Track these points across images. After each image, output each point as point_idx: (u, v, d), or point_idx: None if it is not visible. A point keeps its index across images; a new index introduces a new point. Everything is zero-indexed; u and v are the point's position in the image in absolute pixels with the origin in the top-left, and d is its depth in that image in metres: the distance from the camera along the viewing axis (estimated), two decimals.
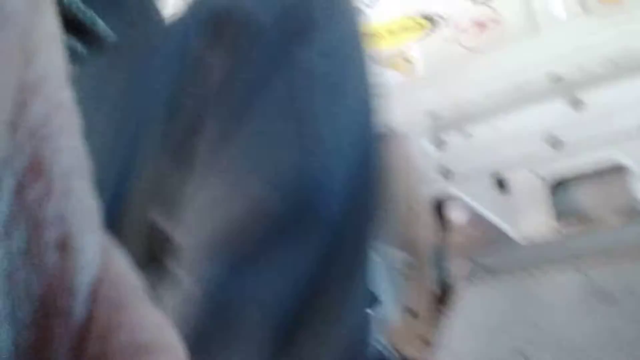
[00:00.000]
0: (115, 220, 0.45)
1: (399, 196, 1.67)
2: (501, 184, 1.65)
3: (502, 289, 1.46)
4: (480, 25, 1.71)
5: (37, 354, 0.14)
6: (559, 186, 1.60)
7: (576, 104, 1.55)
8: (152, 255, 0.48)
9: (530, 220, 1.61)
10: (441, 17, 1.77)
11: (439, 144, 1.70)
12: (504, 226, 1.65)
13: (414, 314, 1.64)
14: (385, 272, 1.48)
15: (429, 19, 1.79)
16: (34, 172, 0.14)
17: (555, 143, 1.56)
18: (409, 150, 1.63)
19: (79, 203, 0.15)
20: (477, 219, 1.71)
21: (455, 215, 1.77)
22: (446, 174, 1.70)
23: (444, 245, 1.74)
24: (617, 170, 1.54)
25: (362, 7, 0.86)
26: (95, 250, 0.15)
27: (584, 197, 1.59)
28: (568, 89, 1.55)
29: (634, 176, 1.51)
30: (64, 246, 0.14)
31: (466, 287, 1.49)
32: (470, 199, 1.69)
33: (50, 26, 0.15)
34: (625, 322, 1.32)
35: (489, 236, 1.68)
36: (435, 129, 1.71)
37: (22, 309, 0.14)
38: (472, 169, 1.67)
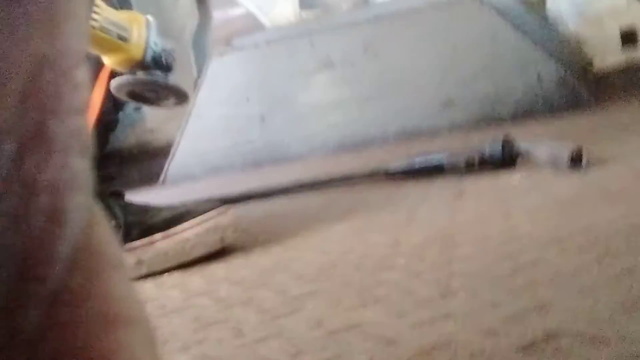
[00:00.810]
0: None
1: None
2: None
3: (246, 63, 1.63)
4: None
5: (7, 318, 0.14)
6: None
7: None
8: None
9: (279, 9, 1.77)
10: None
11: None
12: (257, 13, 1.79)
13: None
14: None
15: None
16: (36, 141, 0.14)
17: None
18: None
19: (73, 178, 0.15)
20: (235, 9, 1.84)
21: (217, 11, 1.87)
22: None
23: (204, 31, 1.86)
24: None
25: None
26: (81, 222, 0.16)
27: None
28: None
29: None
30: (52, 215, 0.15)
31: (215, 62, 1.63)
32: None
33: (77, 5, 0.15)
34: (341, 83, 1.56)
35: (245, 24, 1.82)
36: None
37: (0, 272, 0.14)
38: None
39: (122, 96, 1.01)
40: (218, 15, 1.88)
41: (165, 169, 1.68)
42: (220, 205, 0.69)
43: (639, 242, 0.43)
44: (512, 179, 0.79)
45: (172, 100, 1.06)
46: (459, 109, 1.51)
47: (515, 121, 1.41)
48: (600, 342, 0.28)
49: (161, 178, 1.66)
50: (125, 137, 1.80)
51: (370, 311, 0.39)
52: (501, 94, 1.50)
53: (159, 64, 0.97)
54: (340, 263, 0.54)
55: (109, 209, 0.65)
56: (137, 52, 0.94)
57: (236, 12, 1.85)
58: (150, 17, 0.99)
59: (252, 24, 1.81)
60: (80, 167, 0.15)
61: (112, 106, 0.99)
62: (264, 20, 1.78)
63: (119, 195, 0.69)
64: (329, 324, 0.38)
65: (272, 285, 0.51)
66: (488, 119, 1.46)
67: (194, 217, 0.66)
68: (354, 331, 0.36)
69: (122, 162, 1.77)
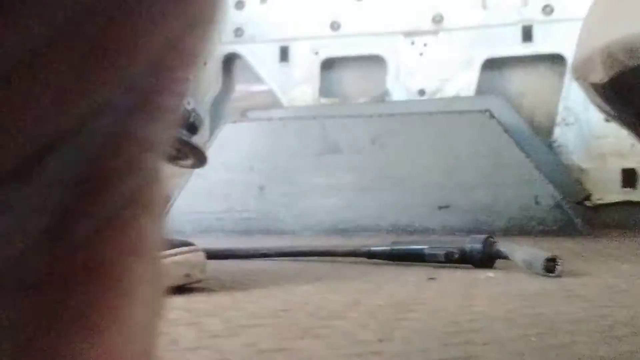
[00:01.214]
0: None
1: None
2: (284, 54, 1.86)
3: (257, 134, 1.68)
4: None
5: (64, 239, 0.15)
6: (328, 64, 1.85)
7: None
8: None
9: (299, 91, 1.84)
10: None
11: (237, 3, 1.86)
12: (278, 92, 1.87)
13: None
14: None
15: None
16: (144, 104, 0.15)
17: (335, 25, 1.80)
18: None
19: (163, 141, 0.16)
20: (257, 86, 1.91)
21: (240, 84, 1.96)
22: (238, 32, 1.87)
23: (224, 99, 1.93)
24: (377, 60, 1.81)
25: None
26: (153, 180, 0.16)
27: (347, 78, 1.86)
28: None
29: (388, 68, 1.79)
30: (133, 165, 0.15)
31: (227, 128, 1.69)
32: (255, 62, 1.89)
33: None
34: (345, 169, 1.60)
35: (265, 101, 1.89)
36: None
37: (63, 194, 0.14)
38: (261, 34, 1.86)
39: None
40: (240, 88, 1.96)
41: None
42: (194, 246, 0.70)
43: (584, 328, 0.43)
44: (486, 275, 0.79)
45: (190, 161, 1.10)
46: (455, 213, 1.53)
47: (507, 234, 1.42)
48: None
49: None
50: None
51: (305, 342, 0.39)
52: (497, 206, 1.52)
53: (187, 122, 1.00)
54: (294, 309, 0.54)
55: None
56: None
57: (258, 88, 1.93)
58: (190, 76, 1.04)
59: (271, 102, 1.88)
60: (167, 137, 0.16)
61: None
62: (283, 99, 1.85)
63: None
64: (262, 346, 0.38)
65: (223, 316, 0.51)
66: (481, 229, 1.47)
67: (164, 249, 0.67)
68: (282, 353, 0.36)
69: None
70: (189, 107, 1.00)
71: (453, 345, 0.37)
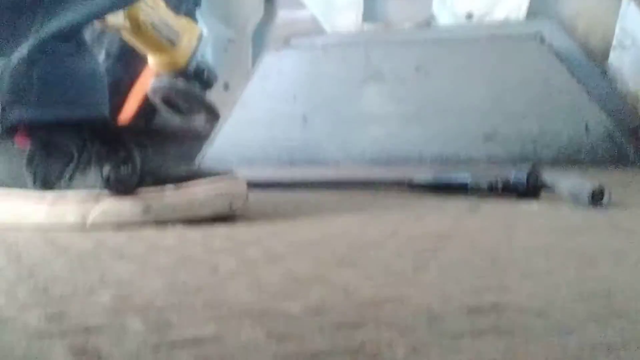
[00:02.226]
0: None
1: None
2: None
3: (299, 62, 1.66)
4: None
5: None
6: None
7: None
8: None
9: (342, 17, 1.80)
10: None
11: None
12: (320, 18, 1.83)
13: (225, 86, 1.81)
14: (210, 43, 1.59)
15: None
16: None
17: None
18: None
19: None
20: (300, 12, 1.87)
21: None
22: None
23: (266, 27, 1.90)
24: None
25: None
26: None
27: (391, 2, 1.80)
28: None
29: None
30: None
31: (270, 56, 1.67)
32: None
33: None
34: (388, 98, 1.57)
35: (308, 27, 1.86)
36: None
37: None
38: None
39: (156, 100, 1.04)
40: (283, 14, 1.92)
41: (202, 152, 1.72)
42: (236, 176, 0.71)
43: (626, 261, 0.43)
44: (529, 206, 0.78)
45: (202, 116, 1.09)
46: (500, 144, 1.50)
47: (554, 165, 1.39)
48: (541, 316, 0.29)
49: (198, 160, 1.70)
50: (170, 116, 1.85)
51: (341, 271, 0.40)
52: (545, 136, 1.48)
53: (200, 77, 0.99)
54: (332, 239, 0.55)
55: (129, 154, 0.67)
56: (181, 59, 0.97)
57: (301, 14, 1.89)
58: (204, 31, 1.01)
59: (313, 28, 1.84)
60: None
61: None
62: (326, 26, 1.81)
63: (143, 146, 0.71)
64: (298, 274, 0.39)
65: (262, 245, 0.52)
66: (528, 159, 1.44)
67: (207, 178, 0.68)
68: (317, 280, 0.37)
69: (163, 140, 1.81)
70: (202, 62, 0.99)
71: (488, 276, 0.37)
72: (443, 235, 0.55)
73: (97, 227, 0.64)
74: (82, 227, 0.64)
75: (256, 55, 1.80)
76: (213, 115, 1.00)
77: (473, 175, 0.95)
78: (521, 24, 1.63)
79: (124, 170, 0.66)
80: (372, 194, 0.98)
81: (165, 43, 0.94)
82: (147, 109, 1.48)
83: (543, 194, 0.87)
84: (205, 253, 0.48)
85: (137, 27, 0.89)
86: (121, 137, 0.69)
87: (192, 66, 0.97)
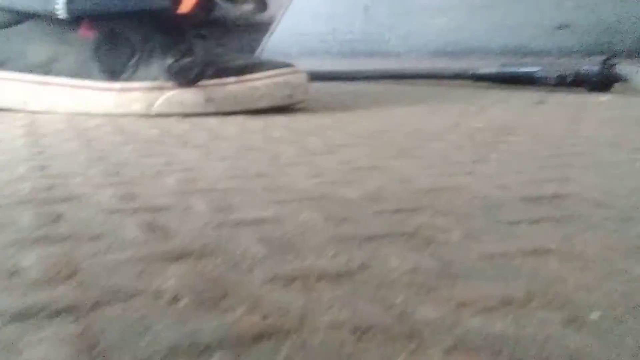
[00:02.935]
0: None
1: None
2: None
3: None
4: None
5: None
6: None
7: None
8: None
9: None
10: None
11: None
12: None
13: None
14: None
15: None
16: None
17: None
18: None
19: None
20: None
21: None
22: None
23: None
24: None
25: None
26: None
27: None
28: None
29: None
30: None
31: None
32: None
33: None
34: None
35: None
36: None
37: None
38: None
39: None
40: None
41: (263, 43, 1.70)
42: (296, 68, 0.70)
43: None
44: (599, 98, 0.75)
45: (250, 5, 1.07)
46: (574, 34, 1.42)
47: (631, 56, 1.31)
48: (601, 206, 0.28)
49: (258, 52, 1.69)
50: (230, 7, 1.83)
51: (398, 161, 0.40)
52: (623, 25, 1.38)
53: None
54: (392, 130, 0.55)
55: (191, 46, 0.67)
56: None
57: None
58: None
59: None
60: None
61: None
62: None
63: (203, 37, 0.71)
64: (357, 163, 0.40)
65: (322, 135, 0.52)
66: (602, 50, 1.36)
67: (267, 70, 0.68)
68: (374, 169, 0.37)
69: (224, 32, 1.80)
70: None
71: (550, 168, 0.37)
72: (506, 128, 0.54)
73: (161, 116, 0.66)
74: (148, 116, 0.66)
75: None
76: (261, 4, 0.98)
77: (542, 67, 0.91)
78: None
79: (186, 61, 0.66)
80: (435, 87, 0.96)
81: None
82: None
83: (616, 87, 0.83)
84: (265, 142, 0.49)
85: None
86: (182, 29, 0.70)
87: None
